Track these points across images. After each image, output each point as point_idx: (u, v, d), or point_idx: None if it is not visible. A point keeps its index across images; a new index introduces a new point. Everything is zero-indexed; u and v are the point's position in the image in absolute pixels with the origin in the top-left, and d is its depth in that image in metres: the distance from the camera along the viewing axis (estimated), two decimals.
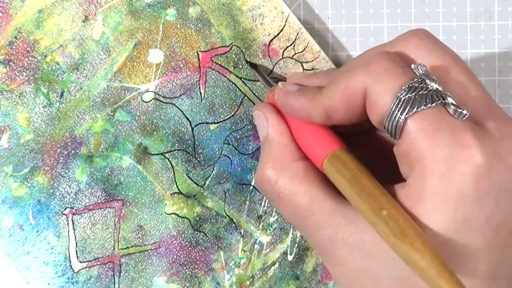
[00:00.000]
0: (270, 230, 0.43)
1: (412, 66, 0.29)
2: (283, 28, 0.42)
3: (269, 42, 0.42)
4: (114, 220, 0.41)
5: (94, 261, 0.41)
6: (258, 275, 0.43)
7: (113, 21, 0.42)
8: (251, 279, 0.42)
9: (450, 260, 0.27)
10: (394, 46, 0.32)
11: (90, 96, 0.41)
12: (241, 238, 0.42)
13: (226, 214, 0.42)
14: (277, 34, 0.43)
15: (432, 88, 0.28)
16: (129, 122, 0.42)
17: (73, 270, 0.41)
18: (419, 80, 0.28)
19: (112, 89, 0.42)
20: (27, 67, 0.41)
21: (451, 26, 0.46)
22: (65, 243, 0.41)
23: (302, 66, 0.43)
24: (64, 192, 0.41)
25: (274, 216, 0.43)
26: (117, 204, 0.42)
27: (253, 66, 0.42)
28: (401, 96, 0.28)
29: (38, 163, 0.41)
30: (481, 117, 0.29)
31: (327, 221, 0.31)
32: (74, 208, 0.41)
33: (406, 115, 0.28)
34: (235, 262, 0.42)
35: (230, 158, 0.42)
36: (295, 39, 0.43)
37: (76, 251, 0.41)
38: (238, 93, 0.42)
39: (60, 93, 0.41)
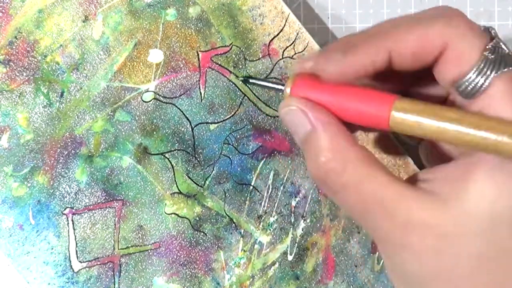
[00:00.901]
0: (270, 230, 0.43)
1: (484, 27, 0.29)
2: (283, 28, 0.42)
3: (269, 42, 0.42)
4: (114, 220, 0.41)
5: (94, 261, 0.41)
6: (258, 275, 0.43)
7: (113, 21, 0.42)
8: (251, 279, 0.42)
9: None
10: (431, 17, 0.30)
11: (90, 96, 0.41)
12: (241, 238, 0.42)
13: (226, 214, 0.42)
14: (277, 34, 0.43)
15: (505, 51, 0.28)
16: (129, 122, 0.42)
17: (73, 270, 0.41)
18: (496, 41, 0.28)
19: (112, 89, 0.42)
20: (27, 67, 0.41)
21: None
22: (65, 243, 0.41)
23: None
24: (64, 192, 0.41)
25: (274, 216, 0.43)
26: (117, 204, 0.42)
27: (249, 78, 0.38)
28: (489, 55, 0.27)
29: (38, 163, 0.41)
30: None
31: (399, 205, 0.29)
32: (74, 208, 0.41)
33: (495, 74, 0.27)
34: (235, 262, 0.42)
35: (230, 158, 0.42)
36: (295, 39, 0.43)
37: (76, 251, 0.41)
38: (238, 93, 0.42)
39: (60, 93, 0.41)
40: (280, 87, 0.34)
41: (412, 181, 0.30)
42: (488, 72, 0.27)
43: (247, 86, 0.43)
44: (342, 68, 0.29)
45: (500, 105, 0.27)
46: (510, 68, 0.27)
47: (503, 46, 0.28)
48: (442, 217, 0.28)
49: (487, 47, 0.28)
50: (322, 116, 0.30)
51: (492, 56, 0.27)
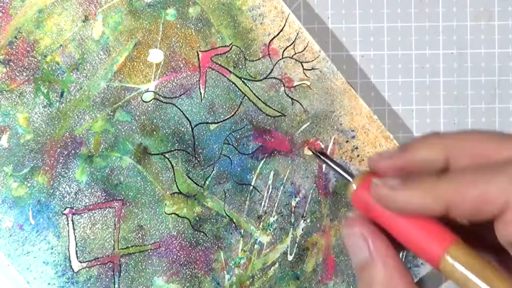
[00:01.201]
0: (270, 230, 0.43)
1: None
2: (283, 28, 0.42)
3: (269, 42, 0.42)
4: (114, 220, 0.41)
5: (94, 261, 0.41)
6: (258, 275, 0.43)
7: (113, 21, 0.42)
8: (251, 279, 0.42)
9: None
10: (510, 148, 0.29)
11: (90, 96, 0.41)
12: (241, 238, 0.42)
13: (226, 214, 0.42)
14: (277, 34, 0.43)
15: None
16: (129, 122, 0.42)
17: (73, 270, 0.41)
18: None
19: (112, 89, 0.42)
20: (27, 67, 0.41)
21: (451, 26, 0.46)
22: (65, 243, 0.41)
23: (302, 66, 0.43)
24: (64, 192, 0.41)
25: (274, 216, 0.43)
26: (117, 204, 0.42)
27: (322, 155, 0.35)
28: None
29: (38, 163, 0.41)
30: None
31: None
32: (74, 208, 0.41)
33: None
34: (235, 262, 0.42)
35: (230, 158, 0.42)
36: (295, 39, 0.43)
37: (76, 251, 0.41)
38: (238, 93, 0.42)
39: (60, 93, 0.41)
40: (348, 177, 0.33)
41: None
42: None
43: (247, 86, 0.43)
44: (402, 205, 0.30)
45: None
46: None
47: None
48: None
49: None
50: (382, 247, 0.30)
51: None
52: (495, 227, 0.28)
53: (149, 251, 0.42)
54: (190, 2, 0.42)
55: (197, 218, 0.42)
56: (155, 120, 0.42)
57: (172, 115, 0.42)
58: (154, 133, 0.42)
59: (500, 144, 0.29)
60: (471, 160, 0.29)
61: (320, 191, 0.43)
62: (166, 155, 0.42)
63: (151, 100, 0.42)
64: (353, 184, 0.30)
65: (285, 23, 0.42)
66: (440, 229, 0.29)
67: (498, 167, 0.28)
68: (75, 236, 0.41)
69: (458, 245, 0.28)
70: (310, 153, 0.43)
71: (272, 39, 0.42)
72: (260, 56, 0.42)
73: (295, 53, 0.43)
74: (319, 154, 0.35)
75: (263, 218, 0.43)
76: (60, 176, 0.41)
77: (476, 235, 0.32)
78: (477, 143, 0.30)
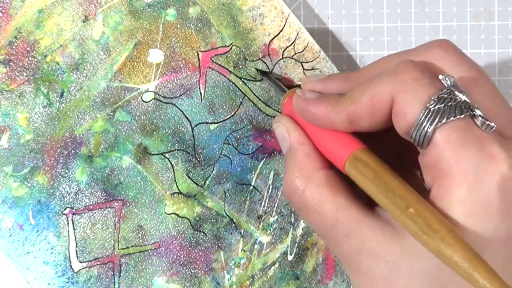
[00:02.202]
0: (270, 230, 0.43)
1: (440, 76, 0.29)
2: (283, 28, 0.42)
3: (269, 42, 0.42)
4: (114, 220, 0.41)
5: (94, 261, 0.41)
6: (258, 275, 0.43)
7: (113, 21, 0.42)
8: (251, 279, 0.42)
9: None
10: (418, 55, 0.31)
11: (90, 96, 0.41)
12: (241, 238, 0.42)
13: (226, 214, 0.42)
14: (277, 34, 0.43)
15: (460, 99, 0.28)
16: (129, 122, 0.42)
17: (73, 270, 0.41)
18: (448, 91, 0.28)
19: (112, 89, 0.42)
20: (27, 67, 0.41)
21: (451, 26, 0.46)
22: (65, 243, 0.41)
23: (302, 66, 0.43)
24: (64, 192, 0.41)
25: (274, 216, 0.43)
26: (117, 204, 0.42)
27: (264, 73, 0.42)
28: (430, 107, 0.28)
29: (38, 163, 0.41)
30: (507, 129, 0.29)
31: (354, 230, 0.30)
32: (74, 208, 0.41)
33: (435, 125, 0.28)
34: (235, 262, 0.42)
35: (230, 158, 0.42)
36: (295, 39, 0.43)
37: (76, 251, 0.41)
38: (238, 93, 0.42)
39: (60, 93, 0.41)
40: (281, 92, 0.39)
41: (373, 206, 0.32)
42: (428, 124, 0.28)
43: (247, 86, 0.43)
44: (310, 117, 0.34)
45: (445, 155, 0.28)
46: (457, 117, 0.27)
47: (456, 94, 0.28)
48: (392, 247, 0.29)
49: (432, 98, 0.28)
50: (300, 136, 0.34)
51: (437, 107, 0.28)
52: (395, 126, 0.30)
53: (149, 251, 0.42)
54: (190, 2, 0.42)
55: (197, 218, 0.42)
56: (155, 120, 0.42)
57: (172, 115, 0.42)
58: (154, 133, 0.42)
59: (408, 55, 0.32)
60: None
61: None
62: (166, 155, 0.42)
63: (151, 100, 0.42)
64: (287, 94, 0.37)
65: (285, 23, 0.42)
66: (349, 138, 0.32)
67: (388, 69, 0.30)
68: (75, 236, 0.41)
69: (362, 152, 0.31)
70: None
71: (272, 39, 0.43)
72: (260, 56, 0.42)
73: (295, 53, 0.43)
74: (263, 71, 0.42)
75: (263, 218, 0.43)
76: (60, 176, 0.41)
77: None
78: (389, 60, 0.33)
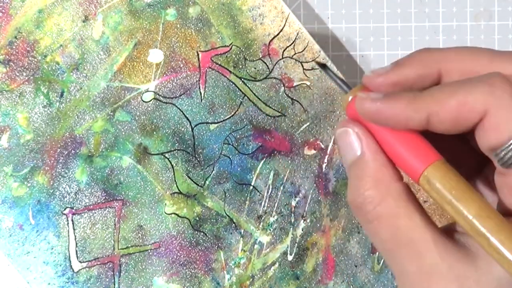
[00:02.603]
0: (270, 230, 0.43)
1: None
2: (283, 28, 0.42)
3: (269, 42, 0.42)
4: (114, 220, 0.41)
5: (94, 261, 0.41)
6: (258, 275, 0.43)
7: (113, 21, 0.42)
8: (251, 279, 0.42)
9: None
10: (498, 64, 0.30)
11: (90, 96, 0.41)
12: (241, 238, 0.42)
13: (226, 214, 0.42)
14: (277, 34, 0.43)
15: None
16: (129, 122, 0.42)
17: (73, 270, 0.41)
18: None
19: (112, 89, 0.42)
20: (27, 67, 0.41)
21: (451, 26, 0.46)
22: (65, 243, 0.41)
23: (302, 66, 0.43)
24: (64, 192, 0.41)
25: (274, 216, 0.43)
26: (117, 204, 0.42)
27: (323, 66, 0.37)
28: None
29: (38, 163, 0.41)
30: None
31: (428, 250, 0.29)
32: (74, 208, 0.41)
33: None
34: (235, 262, 0.42)
35: (230, 158, 0.42)
36: (295, 39, 0.43)
37: (76, 251, 0.41)
38: (238, 93, 0.42)
39: (60, 93, 0.41)
40: (346, 89, 0.34)
41: (448, 230, 0.31)
42: None
43: (247, 86, 0.43)
44: (382, 118, 0.31)
45: None
46: None
47: None
48: (468, 272, 0.28)
49: None
50: (373, 144, 0.31)
51: None
52: (476, 136, 0.29)
53: (149, 251, 0.42)
54: (190, 2, 0.42)
55: (197, 218, 0.42)
56: (155, 120, 0.42)
57: (172, 115, 0.42)
58: (154, 133, 0.42)
59: (490, 59, 0.30)
60: (462, 76, 0.30)
61: (320, 191, 0.43)
62: (166, 155, 0.42)
63: (151, 100, 0.42)
64: (349, 96, 0.32)
65: (285, 23, 0.42)
66: (425, 146, 0.30)
67: (479, 77, 0.29)
68: (75, 236, 0.41)
69: (440, 164, 0.29)
70: (310, 152, 0.43)
71: (272, 39, 0.42)
72: (260, 56, 0.42)
73: (295, 53, 0.43)
74: (321, 66, 0.37)
75: (263, 218, 0.43)
76: (60, 176, 0.41)
77: (461, 155, 0.32)
78: (468, 59, 0.30)
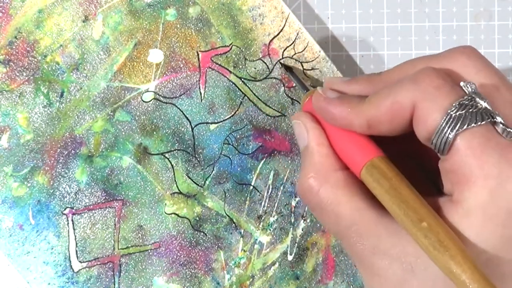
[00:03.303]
0: (270, 230, 0.43)
1: (461, 83, 0.29)
2: (283, 28, 0.42)
3: (269, 42, 0.42)
4: (114, 220, 0.41)
5: (94, 261, 0.41)
6: (258, 275, 0.43)
7: (113, 21, 0.42)
8: (251, 279, 0.42)
9: (493, 277, 0.27)
10: (441, 61, 0.31)
11: (90, 96, 0.41)
12: (241, 238, 0.42)
13: (226, 214, 0.42)
14: (277, 34, 0.43)
15: (481, 106, 0.28)
16: (129, 122, 0.42)
17: (73, 270, 0.41)
18: (469, 98, 0.29)
19: (112, 89, 0.42)
20: (27, 67, 0.41)
21: (451, 26, 0.46)
22: (65, 243, 0.41)
23: (302, 66, 0.43)
24: (64, 192, 0.41)
25: (274, 216, 0.43)
26: (117, 204, 0.42)
27: (288, 68, 0.42)
28: (451, 113, 0.28)
29: (38, 163, 0.41)
30: None
31: (369, 231, 0.31)
32: (74, 208, 0.41)
33: (456, 132, 0.28)
34: (235, 262, 0.42)
35: (230, 158, 0.42)
36: (295, 39, 0.43)
37: (76, 251, 0.41)
38: (238, 93, 0.42)
39: (60, 93, 0.41)
40: (303, 90, 0.40)
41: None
42: (449, 131, 0.28)
43: (247, 86, 0.43)
44: (329, 117, 0.34)
45: (466, 161, 0.28)
46: (478, 123, 0.28)
47: (477, 101, 0.28)
48: (408, 249, 0.29)
49: (453, 105, 0.28)
50: (319, 136, 0.34)
51: (458, 113, 0.28)
52: (416, 132, 0.30)
53: (149, 251, 0.42)
54: (190, 2, 0.42)
55: (197, 218, 0.42)
56: (155, 120, 0.42)
57: (172, 115, 0.42)
58: (154, 133, 0.42)
59: (426, 62, 0.32)
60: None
61: None
62: (166, 155, 0.42)
63: (151, 100, 0.42)
64: (308, 95, 0.36)
65: (285, 23, 0.42)
66: (368, 144, 0.32)
67: (408, 76, 0.30)
68: (75, 236, 0.41)
69: (379, 160, 0.31)
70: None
71: (272, 39, 0.42)
72: (260, 56, 0.42)
73: (295, 53, 0.43)
74: (288, 66, 0.41)
75: (263, 218, 0.43)
76: (60, 176, 0.41)
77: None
78: (409, 69, 0.32)
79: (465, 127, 0.28)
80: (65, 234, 0.41)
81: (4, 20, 0.41)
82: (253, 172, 0.42)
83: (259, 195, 0.43)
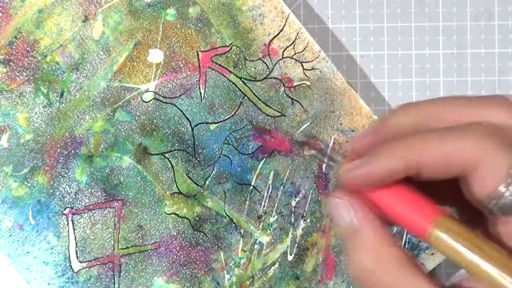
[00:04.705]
0: (270, 230, 0.43)
1: None
2: (283, 28, 0.42)
3: (269, 42, 0.42)
4: (114, 220, 0.41)
5: (94, 261, 0.41)
6: (258, 275, 0.43)
7: (113, 21, 0.42)
8: (251, 279, 0.42)
9: None
10: (478, 111, 0.30)
11: (90, 96, 0.41)
12: (241, 238, 0.42)
13: (226, 214, 0.42)
14: (277, 34, 0.43)
15: None
16: (129, 122, 0.42)
17: (73, 270, 0.41)
18: None
19: (112, 89, 0.42)
20: (27, 67, 0.41)
21: (451, 26, 0.46)
22: (65, 243, 0.41)
23: (302, 66, 0.43)
24: (64, 192, 0.41)
25: (274, 216, 0.43)
26: (117, 204, 0.42)
27: (304, 144, 0.39)
28: None
29: (38, 163, 0.41)
30: None
31: None
32: (74, 208, 0.41)
33: None
34: (235, 262, 0.42)
35: (230, 158, 0.42)
36: (295, 39, 0.43)
37: (76, 251, 0.41)
38: (238, 93, 0.42)
39: (60, 93, 0.41)
40: (333, 164, 0.35)
41: (455, 286, 0.31)
42: None
43: (247, 86, 0.43)
44: (366, 177, 0.30)
45: None
46: None
47: None
48: None
49: None
50: (369, 214, 0.31)
51: None
52: (467, 184, 0.29)
53: (149, 251, 0.42)
54: (190, 2, 0.42)
55: (197, 218, 0.42)
56: (155, 120, 0.42)
57: (172, 115, 0.42)
58: (154, 133, 0.42)
59: (474, 108, 0.30)
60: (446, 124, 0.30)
61: (320, 191, 0.43)
62: (166, 155, 0.42)
63: (151, 100, 0.42)
64: (341, 166, 0.31)
65: (285, 23, 0.42)
66: (425, 201, 0.30)
67: (467, 126, 0.29)
68: (75, 236, 0.41)
69: (444, 217, 0.29)
70: (310, 152, 0.43)
71: (272, 39, 0.42)
72: (260, 56, 0.42)
73: (295, 53, 0.43)
74: (301, 144, 0.39)
75: (263, 218, 0.43)
76: (60, 176, 0.41)
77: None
78: (452, 107, 0.30)
79: None
80: (65, 234, 0.41)
81: (4, 20, 0.41)
82: (253, 172, 0.42)
83: (259, 195, 0.43)
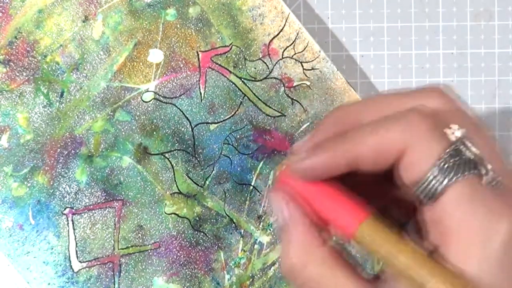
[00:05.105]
0: (270, 230, 0.43)
1: (450, 128, 0.29)
2: (283, 28, 0.42)
3: (269, 42, 0.42)
4: (114, 220, 0.41)
5: (94, 261, 0.41)
6: (258, 275, 0.43)
7: (113, 21, 0.42)
8: (251, 279, 0.42)
9: None
10: (415, 100, 0.30)
11: (90, 96, 0.41)
12: (241, 238, 0.42)
13: (226, 214, 0.42)
14: (277, 34, 0.43)
15: (469, 154, 0.28)
16: (129, 122, 0.42)
17: (73, 270, 0.41)
18: (459, 145, 0.28)
19: (112, 89, 0.42)
20: (27, 67, 0.41)
21: (451, 26, 0.46)
22: (65, 243, 0.41)
23: (302, 66, 0.43)
24: (64, 192, 0.41)
25: (274, 216, 0.43)
26: (117, 204, 0.42)
27: None
28: (442, 163, 0.27)
29: (38, 163, 0.41)
30: (508, 183, 0.29)
31: None
32: (74, 208, 0.41)
33: (447, 183, 0.27)
34: (235, 262, 0.42)
35: (230, 158, 0.42)
36: (295, 39, 0.43)
37: (76, 251, 0.41)
38: (238, 93, 0.42)
39: (60, 93, 0.41)
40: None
41: (379, 279, 0.31)
42: (439, 181, 0.27)
43: (247, 86, 0.43)
44: (309, 170, 0.32)
45: (453, 212, 0.28)
46: (470, 172, 0.27)
47: (469, 149, 0.28)
48: None
49: (445, 152, 0.28)
50: (298, 211, 0.33)
51: (450, 163, 0.27)
52: (398, 173, 0.29)
53: (149, 251, 0.42)
54: (190, 2, 0.42)
55: (197, 218, 0.42)
56: (155, 120, 0.42)
57: (172, 115, 0.42)
58: (154, 133, 0.42)
59: (404, 97, 0.31)
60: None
61: None
62: (166, 155, 0.42)
63: (151, 100, 0.42)
64: (279, 168, 0.35)
65: (285, 23, 0.42)
66: (353, 202, 0.31)
67: (395, 115, 0.29)
68: (75, 236, 0.41)
69: (372, 219, 0.30)
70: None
71: (272, 39, 0.43)
72: (260, 56, 0.42)
73: (295, 53, 0.43)
74: None
75: (263, 218, 0.43)
76: (60, 176, 0.41)
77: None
78: (387, 100, 0.31)
79: (455, 178, 0.27)
80: (65, 234, 0.41)
81: (4, 20, 0.41)
82: (253, 172, 0.42)
83: (259, 195, 0.43)
